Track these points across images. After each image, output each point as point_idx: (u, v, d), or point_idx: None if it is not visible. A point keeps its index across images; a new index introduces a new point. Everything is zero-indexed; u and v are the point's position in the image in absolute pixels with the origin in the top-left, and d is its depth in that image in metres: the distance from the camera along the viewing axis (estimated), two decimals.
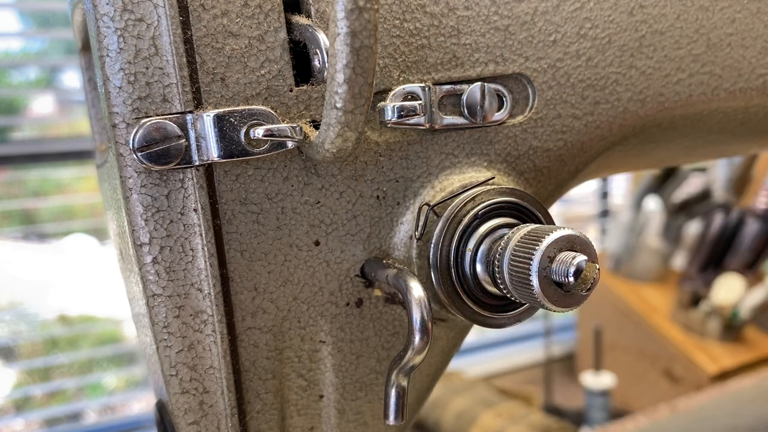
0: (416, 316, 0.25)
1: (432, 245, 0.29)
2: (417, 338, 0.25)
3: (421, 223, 0.29)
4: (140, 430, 1.69)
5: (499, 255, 0.26)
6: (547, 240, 0.24)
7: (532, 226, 0.26)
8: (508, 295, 0.26)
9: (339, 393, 0.31)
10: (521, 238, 0.25)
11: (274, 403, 0.30)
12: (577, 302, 0.24)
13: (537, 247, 0.24)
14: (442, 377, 0.36)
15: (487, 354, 2.37)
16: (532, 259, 0.24)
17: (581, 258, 0.23)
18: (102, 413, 1.76)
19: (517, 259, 0.25)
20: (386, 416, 0.27)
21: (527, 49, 0.30)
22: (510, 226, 0.28)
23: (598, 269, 0.24)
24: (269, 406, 0.30)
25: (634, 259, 2.13)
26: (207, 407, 0.29)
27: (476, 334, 2.31)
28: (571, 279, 0.23)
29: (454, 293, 0.28)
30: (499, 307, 0.29)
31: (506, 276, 0.25)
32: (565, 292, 0.24)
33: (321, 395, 0.31)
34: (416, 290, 0.26)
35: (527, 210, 0.29)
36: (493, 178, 0.30)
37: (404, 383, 0.26)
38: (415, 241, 0.29)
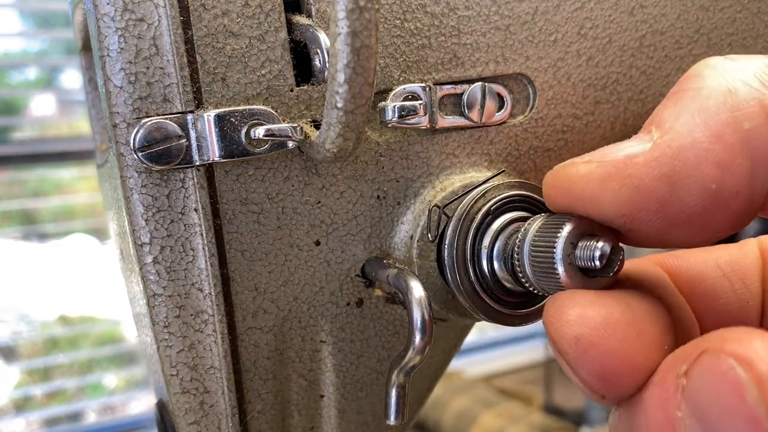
0: (417, 316, 0.25)
1: (446, 246, 0.28)
2: (417, 338, 0.25)
3: (433, 225, 0.29)
4: (140, 430, 1.69)
5: (518, 248, 0.25)
6: (568, 226, 0.23)
7: (548, 215, 0.25)
8: (531, 288, 0.25)
9: (339, 393, 0.31)
10: (539, 227, 0.24)
11: (275, 403, 0.30)
12: (601, 287, 0.24)
13: (558, 234, 0.23)
14: (442, 377, 0.36)
15: (487, 354, 2.36)
16: (555, 247, 0.23)
17: (605, 241, 0.23)
18: (102, 413, 1.76)
19: (539, 248, 0.24)
20: (387, 416, 0.27)
21: (528, 49, 0.30)
22: (523, 219, 0.27)
23: (623, 252, 0.23)
24: (270, 406, 0.30)
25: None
26: (207, 407, 0.29)
27: (476, 334, 2.31)
28: (597, 263, 0.22)
29: (473, 294, 0.28)
30: (520, 304, 0.28)
31: (527, 268, 0.24)
32: (590, 278, 0.23)
33: (321, 395, 0.31)
34: (417, 290, 0.26)
35: (538, 201, 0.29)
36: (504, 171, 0.30)
37: (405, 383, 0.26)
38: (415, 241, 0.29)
